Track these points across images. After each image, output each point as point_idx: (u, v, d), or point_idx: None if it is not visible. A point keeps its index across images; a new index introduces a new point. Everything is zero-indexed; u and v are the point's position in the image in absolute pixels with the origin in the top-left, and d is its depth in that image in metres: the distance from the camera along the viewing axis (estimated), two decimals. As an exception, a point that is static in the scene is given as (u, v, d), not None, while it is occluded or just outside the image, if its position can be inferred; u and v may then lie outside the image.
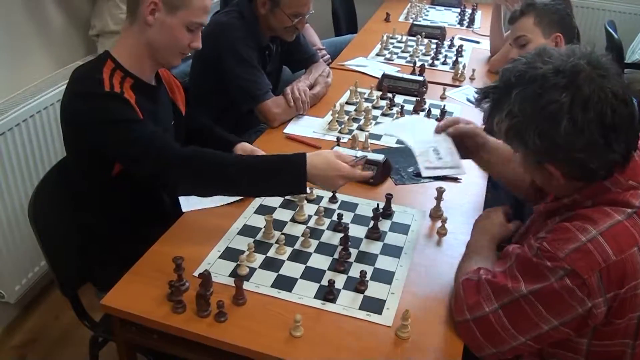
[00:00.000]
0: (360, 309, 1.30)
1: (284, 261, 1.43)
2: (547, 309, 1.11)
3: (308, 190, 1.67)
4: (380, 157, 1.81)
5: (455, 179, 1.80)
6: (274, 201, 1.67)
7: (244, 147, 1.80)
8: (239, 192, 1.52)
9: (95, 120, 1.45)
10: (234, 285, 1.30)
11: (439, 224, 1.59)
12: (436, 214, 1.64)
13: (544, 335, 1.13)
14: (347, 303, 1.31)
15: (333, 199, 1.68)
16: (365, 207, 1.65)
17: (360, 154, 1.56)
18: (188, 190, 1.50)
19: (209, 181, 1.44)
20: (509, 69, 1.16)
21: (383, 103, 2.31)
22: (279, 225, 1.56)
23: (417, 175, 1.81)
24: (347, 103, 2.31)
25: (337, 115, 2.14)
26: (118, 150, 1.48)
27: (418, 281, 1.40)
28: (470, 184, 1.82)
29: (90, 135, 1.47)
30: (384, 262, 1.44)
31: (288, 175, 1.41)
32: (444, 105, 2.21)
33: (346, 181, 1.45)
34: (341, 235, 1.46)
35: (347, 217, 1.59)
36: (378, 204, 1.56)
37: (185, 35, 1.52)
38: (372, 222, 1.54)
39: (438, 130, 1.50)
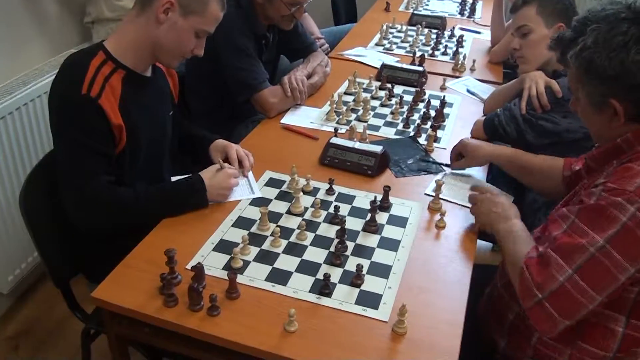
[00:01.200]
0: (356, 303, 1.27)
1: (279, 254, 1.40)
2: (625, 256, 1.08)
3: (304, 182, 1.64)
4: (378, 148, 1.78)
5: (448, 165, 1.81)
6: (270, 193, 1.64)
7: (216, 145, 1.77)
8: (150, 222, 1.52)
9: (56, 122, 1.45)
10: (227, 278, 1.27)
11: (437, 217, 1.56)
12: (435, 206, 1.61)
13: (619, 287, 1.11)
14: (343, 297, 1.29)
15: (330, 191, 1.65)
16: (363, 199, 1.62)
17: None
18: (90, 226, 1.50)
19: (120, 218, 1.48)
20: (584, 13, 1.23)
21: (382, 93, 2.28)
22: (275, 217, 1.53)
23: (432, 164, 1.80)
24: (345, 93, 2.28)
25: (335, 105, 2.11)
26: (58, 160, 1.47)
27: (416, 275, 1.37)
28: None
29: (52, 132, 1.47)
30: (381, 256, 1.42)
31: (193, 199, 1.52)
32: (444, 96, 2.18)
33: (234, 183, 1.59)
34: (338, 228, 1.43)
35: (344, 209, 1.57)
36: (375, 197, 1.53)
37: (192, 40, 1.51)
38: (369, 215, 1.51)
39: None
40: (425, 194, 1.68)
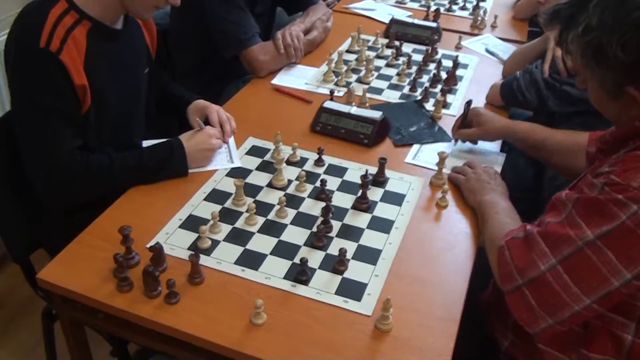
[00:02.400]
0: (336, 293, 1.19)
1: (253, 234, 1.32)
2: (619, 257, 0.98)
3: (290, 151, 1.55)
4: (377, 114, 1.68)
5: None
6: (251, 163, 1.55)
7: (196, 106, 1.68)
8: (125, 189, 1.45)
9: (13, 79, 1.36)
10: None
11: (439, 194, 1.46)
12: (437, 182, 1.51)
13: (613, 293, 1.00)
14: (322, 286, 1.20)
15: (319, 162, 1.56)
16: (356, 172, 1.53)
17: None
18: (62, 200, 1.42)
19: (94, 190, 1.42)
20: None
21: (388, 52, 2.16)
22: (253, 190, 1.45)
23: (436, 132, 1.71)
24: (347, 51, 2.16)
25: (334, 65, 1.99)
26: (18, 125, 1.38)
27: (408, 262, 1.28)
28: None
29: (10, 92, 1.38)
30: (371, 238, 1.33)
31: (171, 164, 1.46)
32: (457, 56, 2.04)
33: (217, 144, 1.54)
34: (323, 205, 1.34)
35: (333, 183, 1.48)
36: (367, 170, 1.43)
37: None
38: (360, 191, 1.41)
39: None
40: (426, 167, 1.57)
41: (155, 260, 1.19)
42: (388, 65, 2.09)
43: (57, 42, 1.30)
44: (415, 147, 1.65)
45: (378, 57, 2.13)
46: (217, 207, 1.38)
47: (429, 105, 1.85)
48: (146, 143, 1.59)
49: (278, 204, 1.37)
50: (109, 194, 1.41)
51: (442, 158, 1.49)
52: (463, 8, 2.60)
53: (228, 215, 1.36)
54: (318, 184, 1.45)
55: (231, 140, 1.63)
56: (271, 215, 1.37)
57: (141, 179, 1.44)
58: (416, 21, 2.31)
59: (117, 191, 1.42)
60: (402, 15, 2.45)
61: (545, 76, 1.72)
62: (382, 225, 1.36)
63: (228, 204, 1.40)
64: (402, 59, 2.10)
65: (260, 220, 1.35)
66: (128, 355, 1.56)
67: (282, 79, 1.96)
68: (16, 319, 2.15)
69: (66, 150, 1.36)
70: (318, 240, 1.29)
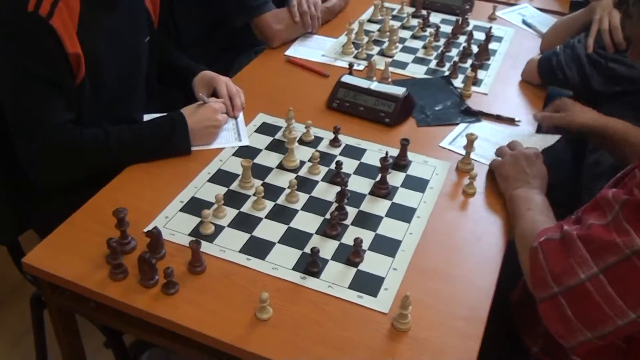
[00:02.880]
0: (350, 287, 1.17)
1: (260, 219, 1.30)
2: None
3: (303, 129, 1.54)
4: (400, 90, 1.65)
5: (512, 121, 1.66)
6: (260, 142, 1.54)
7: (202, 77, 1.66)
8: (122, 167, 1.44)
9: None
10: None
11: (466, 180, 1.43)
12: (464, 167, 1.48)
13: None
14: (335, 279, 1.18)
15: (334, 142, 1.54)
16: (375, 154, 1.51)
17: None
18: (54, 178, 1.43)
19: (88, 167, 1.42)
20: None
21: (414, 22, 2.14)
22: (262, 172, 1.44)
23: (464, 112, 1.68)
24: (369, 21, 2.15)
25: (354, 35, 1.97)
26: (3, 97, 1.36)
27: (430, 255, 1.25)
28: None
29: None
30: (390, 228, 1.31)
31: (173, 140, 1.45)
32: (490, 28, 2.01)
33: (223, 120, 1.53)
34: (338, 190, 1.33)
35: (350, 166, 1.46)
36: (387, 152, 1.41)
37: None
38: (379, 175, 1.39)
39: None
40: (456, 152, 1.55)
41: (152, 247, 1.18)
42: (414, 36, 2.06)
43: (47, 5, 1.28)
44: (457, 129, 1.62)
45: (403, 27, 2.10)
46: (222, 190, 1.37)
47: (458, 82, 1.82)
48: (148, 117, 1.57)
49: (288, 187, 1.35)
50: (104, 172, 1.40)
51: (471, 141, 1.46)
52: (498, -25, 2.52)
53: (234, 199, 1.34)
54: (333, 166, 1.43)
55: (240, 116, 1.60)
56: (281, 200, 1.35)
57: (139, 156, 1.42)
58: (446, -12, 2.26)
59: (113, 169, 1.41)
60: (431, -19, 2.38)
61: (589, 51, 1.67)
62: (403, 214, 1.34)
63: (234, 186, 1.39)
64: (429, 30, 2.06)
65: (269, 204, 1.34)
66: (123, 346, 1.56)
67: (297, 50, 1.94)
68: (5, 305, 2.16)
69: (58, 123, 1.35)
70: (331, 229, 1.28)
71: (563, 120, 1.54)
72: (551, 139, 1.53)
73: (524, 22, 2.21)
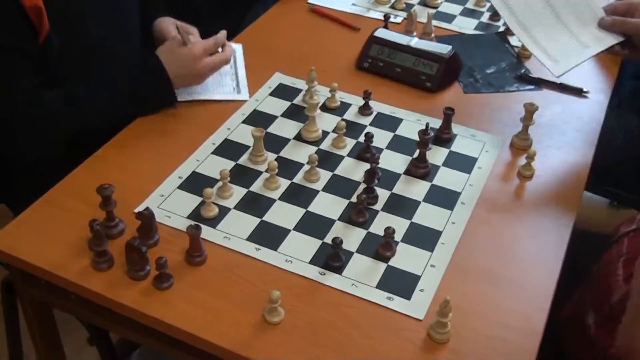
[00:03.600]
0: (378, 287, 1.14)
1: (273, 201, 1.29)
2: None
3: (328, 93, 1.53)
4: (445, 49, 1.63)
5: (580, 92, 1.61)
6: (275, 107, 1.52)
7: (160, 25, 1.61)
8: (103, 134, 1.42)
9: None
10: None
11: (522, 160, 1.40)
12: (521, 143, 1.45)
13: None
14: (360, 276, 1.16)
15: (364, 110, 1.52)
16: (413, 125, 1.49)
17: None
18: (30, 153, 1.43)
19: (65, 135, 1.41)
20: None
21: None
22: (277, 143, 1.42)
23: (520, 79, 1.64)
24: None
25: (391, -19, 1.94)
26: None
27: (476, 250, 1.22)
28: (582, 101, 1.61)
29: None
30: (428, 215, 1.28)
31: (155, 93, 1.44)
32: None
33: (208, 68, 1.47)
34: (368, 167, 1.31)
35: (382, 138, 1.44)
36: (428, 124, 1.36)
37: None
38: (417, 151, 1.37)
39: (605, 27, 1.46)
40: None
41: (143, 231, 1.16)
42: (464, -18, 2.01)
43: None
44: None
45: (450, -28, 2.05)
46: (228, 164, 1.36)
47: (515, 40, 1.77)
48: None
49: (308, 163, 1.33)
50: (82, 140, 1.39)
51: (530, 111, 1.42)
52: None
53: (242, 176, 1.33)
54: (362, 138, 1.41)
55: (240, 64, 1.59)
56: (298, 178, 1.34)
57: (116, 116, 1.41)
58: None
59: (93, 137, 1.39)
60: None
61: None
62: (444, 199, 1.32)
63: (243, 160, 1.37)
64: (483, -25, 2.01)
65: (284, 183, 1.32)
66: (110, 343, 1.55)
67: (323, -1, 1.92)
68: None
69: (22, 89, 1.34)
70: (358, 215, 1.25)
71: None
72: (611, 40, 1.46)
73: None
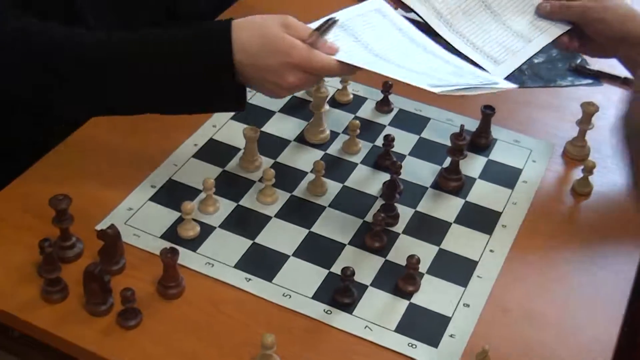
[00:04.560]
0: (398, 330, 1.12)
1: (269, 218, 1.28)
2: None
3: (338, 85, 1.53)
4: None
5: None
6: (271, 100, 1.47)
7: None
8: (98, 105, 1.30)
9: None
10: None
11: (578, 173, 1.39)
12: (576, 152, 1.44)
13: None
14: (375, 316, 1.14)
15: (384, 106, 1.51)
16: (443, 126, 1.49)
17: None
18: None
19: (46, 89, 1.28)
20: None
21: None
22: (274, 147, 1.42)
23: (575, 70, 1.66)
24: None
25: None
26: None
27: (520, 285, 1.21)
28: None
29: None
30: (461, 240, 1.27)
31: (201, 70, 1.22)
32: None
33: (301, 80, 1.20)
34: (387, 178, 1.31)
35: (405, 142, 1.44)
36: (463, 125, 1.36)
37: None
38: (449, 159, 1.37)
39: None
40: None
41: (106, 254, 1.14)
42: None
43: None
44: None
45: None
46: (213, 171, 1.35)
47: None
48: None
49: (312, 171, 1.33)
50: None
51: (588, 112, 1.41)
52: None
53: (230, 186, 1.33)
54: (380, 142, 1.41)
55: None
56: (300, 191, 1.34)
57: (141, 90, 1.27)
58: None
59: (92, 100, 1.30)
60: None
61: None
62: (481, 220, 1.31)
63: (232, 166, 1.37)
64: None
65: (282, 197, 1.31)
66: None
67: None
68: None
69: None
70: (374, 238, 1.24)
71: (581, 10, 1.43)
72: (556, 30, 1.44)
73: None
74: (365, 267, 1.20)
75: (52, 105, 1.33)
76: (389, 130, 1.45)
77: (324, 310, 1.14)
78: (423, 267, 1.19)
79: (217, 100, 1.28)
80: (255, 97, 1.50)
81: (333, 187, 1.33)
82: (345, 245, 1.24)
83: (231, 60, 1.18)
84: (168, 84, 1.25)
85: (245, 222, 1.26)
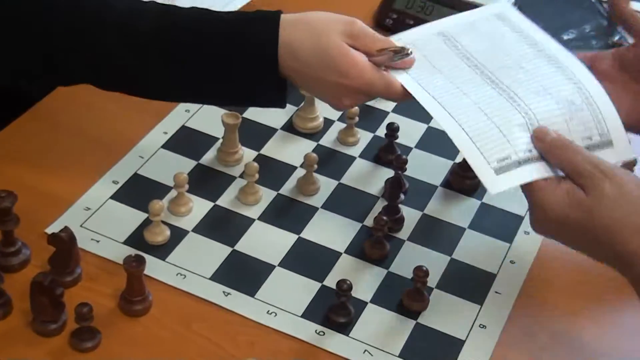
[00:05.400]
0: (402, 355, 1.12)
1: (252, 221, 1.29)
2: None
3: None
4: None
5: None
6: None
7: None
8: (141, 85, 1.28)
9: None
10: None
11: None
12: None
13: None
14: (376, 338, 1.14)
15: None
16: None
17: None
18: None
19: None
20: None
21: None
22: (257, 136, 1.44)
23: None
24: None
25: None
26: None
27: (547, 304, 1.21)
28: None
29: None
30: (476, 249, 1.28)
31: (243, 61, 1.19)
32: None
33: (359, 101, 1.22)
34: (390, 175, 1.32)
35: (410, 132, 1.46)
36: None
37: None
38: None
39: None
40: None
41: (59, 263, 1.14)
42: None
43: None
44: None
45: None
46: (186, 164, 1.36)
47: None
48: None
49: (302, 166, 1.34)
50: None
51: None
52: None
53: (206, 182, 1.34)
54: (381, 131, 1.42)
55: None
56: (288, 189, 1.34)
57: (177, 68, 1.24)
58: None
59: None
60: None
61: None
62: (500, 225, 1.32)
63: (208, 159, 1.38)
64: None
65: (268, 195, 1.32)
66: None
67: None
68: None
69: None
70: (375, 246, 1.24)
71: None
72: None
73: None
74: (365, 280, 1.20)
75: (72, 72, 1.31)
76: (392, 117, 1.46)
77: (316, 331, 1.13)
78: (432, 281, 1.19)
79: (255, 93, 1.27)
80: (235, 77, 1.49)
81: (327, 185, 1.34)
82: (340, 254, 1.24)
83: (275, 55, 1.17)
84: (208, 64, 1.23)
85: (223, 226, 1.26)
